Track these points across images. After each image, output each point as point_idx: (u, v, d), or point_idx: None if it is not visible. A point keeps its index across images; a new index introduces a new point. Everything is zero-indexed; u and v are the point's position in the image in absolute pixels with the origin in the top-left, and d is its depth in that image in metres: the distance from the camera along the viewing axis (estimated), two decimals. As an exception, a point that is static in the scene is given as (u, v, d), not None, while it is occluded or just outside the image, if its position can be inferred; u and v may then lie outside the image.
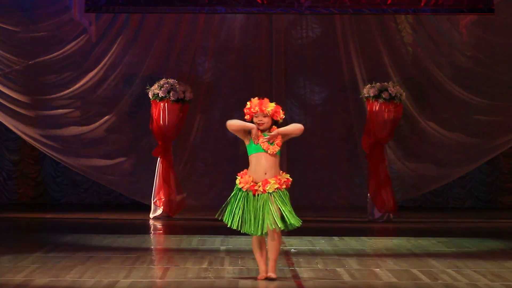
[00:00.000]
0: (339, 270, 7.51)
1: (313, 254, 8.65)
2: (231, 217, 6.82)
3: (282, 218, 6.78)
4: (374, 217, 12.58)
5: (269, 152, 6.85)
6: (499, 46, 13.53)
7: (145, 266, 7.68)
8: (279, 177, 6.86)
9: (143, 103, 13.08)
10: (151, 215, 12.58)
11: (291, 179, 6.95)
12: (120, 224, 12.19)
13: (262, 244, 6.88)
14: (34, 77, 13.34)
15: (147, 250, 9.27)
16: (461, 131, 13.56)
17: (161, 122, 12.41)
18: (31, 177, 15.01)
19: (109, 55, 13.46)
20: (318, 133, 14.23)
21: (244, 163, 14.46)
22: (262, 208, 6.77)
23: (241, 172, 6.97)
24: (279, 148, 6.88)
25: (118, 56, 13.53)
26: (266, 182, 6.80)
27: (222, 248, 8.99)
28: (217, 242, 9.44)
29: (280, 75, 13.89)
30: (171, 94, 12.31)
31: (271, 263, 6.83)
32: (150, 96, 12.44)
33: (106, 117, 13.51)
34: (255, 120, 6.94)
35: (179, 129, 12.72)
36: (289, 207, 6.84)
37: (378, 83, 12.49)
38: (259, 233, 6.75)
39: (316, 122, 14.27)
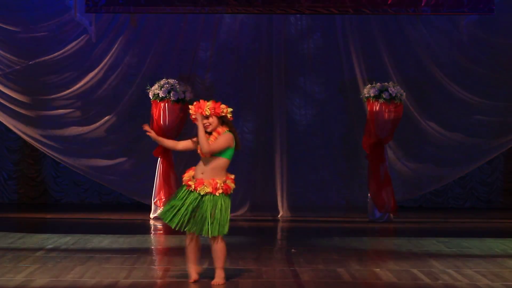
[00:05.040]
0: (340, 270, 7.51)
1: (313, 254, 8.65)
2: (165, 209, 6.78)
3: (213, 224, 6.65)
4: (375, 217, 12.58)
5: (198, 152, 6.75)
6: (500, 46, 13.53)
7: (146, 267, 7.69)
8: (217, 180, 6.69)
9: (144, 103, 13.08)
10: (152, 215, 12.59)
11: (231, 186, 6.76)
12: (121, 224, 12.19)
13: (193, 241, 6.79)
14: (35, 77, 13.34)
15: (148, 250, 9.27)
16: (462, 131, 13.56)
17: (161, 122, 12.41)
18: (32, 177, 15.01)
19: (109, 55, 13.47)
20: (319, 133, 14.24)
21: (243, 163, 14.49)
22: (190, 206, 6.66)
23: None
24: (208, 149, 6.65)
25: (118, 56, 13.53)
26: (200, 182, 6.68)
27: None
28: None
29: (280, 75, 13.89)
30: (171, 94, 12.32)
31: (216, 271, 6.76)
32: (151, 96, 12.45)
33: (107, 117, 13.51)
34: (200, 124, 6.79)
35: (180, 129, 12.72)
36: (218, 216, 6.65)
37: (378, 83, 12.50)
38: (182, 229, 6.68)
39: (316, 122, 14.28)
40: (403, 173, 13.66)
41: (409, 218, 12.90)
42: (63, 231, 10.66)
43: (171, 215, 6.72)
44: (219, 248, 6.72)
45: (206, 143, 6.66)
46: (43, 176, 15.03)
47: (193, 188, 6.70)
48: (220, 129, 6.76)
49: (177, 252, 8.94)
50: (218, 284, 6.70)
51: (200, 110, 6.72)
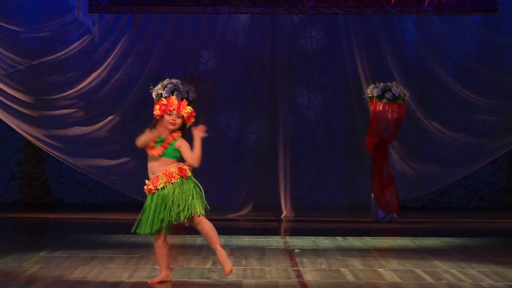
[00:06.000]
0: (343, 270, 7.50)
1: (316, 254, 8.64)
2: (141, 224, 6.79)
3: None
4: (378, 217, 12.57)
5: (150, 153, 6.79)
6: (503, 46, 13.52)
7: (149, 266, 7.68)
8: (170, 169, 6.70)
9: (147, 103, 13.09)
10: (154, 215, 12.56)
11: (185, 168, 6.74)
12: (124, 224, 12.17)
13: (163, 245, 6.76)
14: (38, 77, 13.36)
15: (151, 250, 9.25)
16: (465, 131, 13.56)
17: (164, 122, 12.40)
18: (35, 177, 15.02)
19: (112, 55, 13.48)
20: (322, 133, 14.24)
21: (247, 163, 14.45)
22: (158, 206, 6.72)
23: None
24: (163, 149, 6.72)
25: (121, 56, 13.54)
26: (155, 179, 6.76)
27: (226, 248, 8.97)
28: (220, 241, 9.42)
29: (283, 75, 13.89)
30: (174, 94, 12.31)
31: (217, 254, 6.67)
32: (154, 96, 12.45)
33: (110, 117, 13.51)
34: (167, 118, 6.68)
35: (182, 129, 12.70)
36: (186, 199, 6.65)
37: (381, 83, 12.49)
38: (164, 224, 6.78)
39: (319, 122, 14.27)
40: (406, 173, 13.66)
41: (412, 218, 12.89)
42: (66, 231, 10.66)
43: (146, 225, 6.73)
44: (201, 228, 6.63)
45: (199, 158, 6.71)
46: (46, 176, 15.04)
47: (152, 188, 6.69)
48: (175, 133, 6.75)
49: (180, 251, 8.94)
50: (231, 270, 6.58)
51: (181, 108, 6.70)
